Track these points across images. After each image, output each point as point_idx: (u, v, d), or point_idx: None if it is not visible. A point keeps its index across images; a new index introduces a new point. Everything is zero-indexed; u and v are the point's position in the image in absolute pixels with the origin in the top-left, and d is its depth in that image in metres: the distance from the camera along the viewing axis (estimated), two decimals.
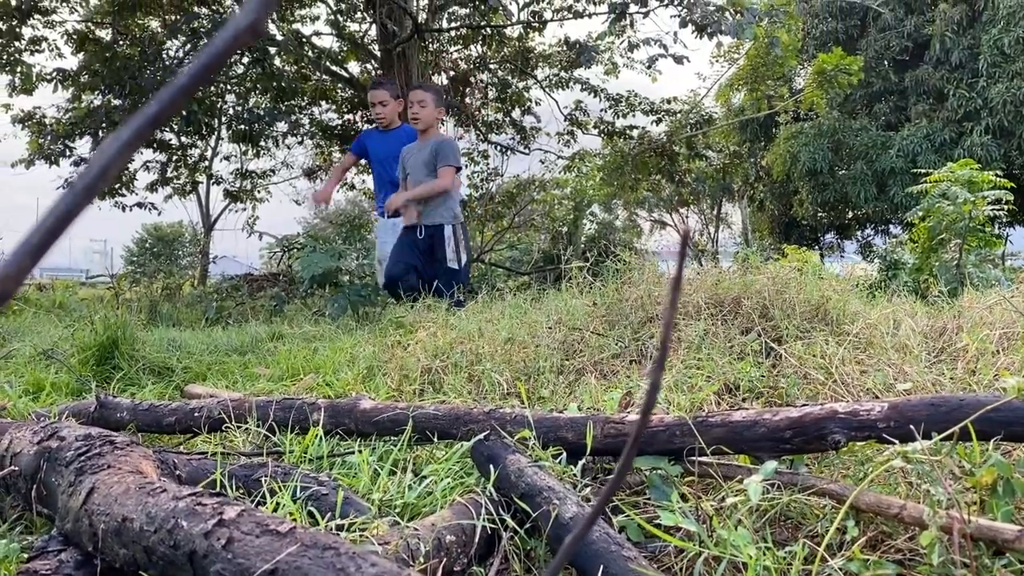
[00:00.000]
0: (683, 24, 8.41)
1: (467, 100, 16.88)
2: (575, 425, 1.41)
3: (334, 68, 14.54)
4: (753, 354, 2.17)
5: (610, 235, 13.54)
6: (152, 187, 17.00)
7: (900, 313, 2.29)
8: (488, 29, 10.53)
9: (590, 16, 8.64)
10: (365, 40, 14.93)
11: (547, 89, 16.23)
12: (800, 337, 2.20)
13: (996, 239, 9.45)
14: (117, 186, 15.97)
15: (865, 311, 2.36)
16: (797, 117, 19.86)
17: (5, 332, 4.36)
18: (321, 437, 1.64)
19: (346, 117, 17.52)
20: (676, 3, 8.40)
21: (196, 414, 1.94)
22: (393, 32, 9.85)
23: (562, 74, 15.98)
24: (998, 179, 10.22)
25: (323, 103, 16.89)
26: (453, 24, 12.00)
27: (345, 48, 15.56)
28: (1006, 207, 9.32)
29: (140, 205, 16.38)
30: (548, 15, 10.08)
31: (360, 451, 1.55)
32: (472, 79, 16.20)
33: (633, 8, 8.50)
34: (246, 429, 1.80)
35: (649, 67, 9.37)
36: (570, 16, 9.10)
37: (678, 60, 8.51)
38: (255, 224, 20.60)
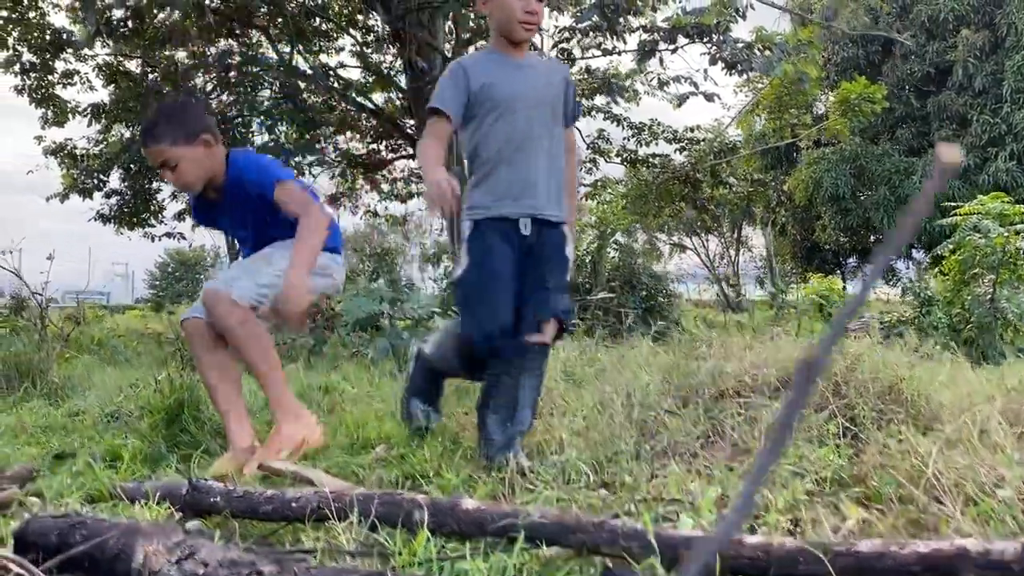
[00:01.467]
0: (713, 61, 8.50)
1: None
2: (693, 544, 1.45)
3: (360, 99, 14.70)
4: (832, 437, 2.20)
5: (633, 263, 13.56)
6: (180, 216, 17.26)
7: (976, 396, 2.31)
8: None
9: (619, 53, 8.73)
10: (391, 72, 15.11)
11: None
12: (876, 419, 2.23)
13: None
14: (146, 216, 16.22)
15: (936, 388, 2.38)
16: (818, 142, 19.88)
17: (62, 384, 4.44)
18: (428, 538, 1.68)
19: (371, 146, 17.73)
20: (705, 40, 8.48)
21: (294, 504, 1.99)
22: (422, 69, 9.99)
23: (584, 101, 16.12)
24: None
25: (348, 133, 17.12)
26: None
27: (370, 79, 15.74)
28: None
29: (169, 235, 16.64)
30: (576, 52, 10.20)
31: (471, 557, 1.59)
32: None
33: (663, 46, 8.59)
34: (349, 524, 1.85)
35: (679, 105, 9.46)
36: (599, 53, 9.22)
37: (708, 98, 8.58)
38: None
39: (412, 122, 14.47)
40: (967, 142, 18.27)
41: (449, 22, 9.67)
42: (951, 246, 9.60)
